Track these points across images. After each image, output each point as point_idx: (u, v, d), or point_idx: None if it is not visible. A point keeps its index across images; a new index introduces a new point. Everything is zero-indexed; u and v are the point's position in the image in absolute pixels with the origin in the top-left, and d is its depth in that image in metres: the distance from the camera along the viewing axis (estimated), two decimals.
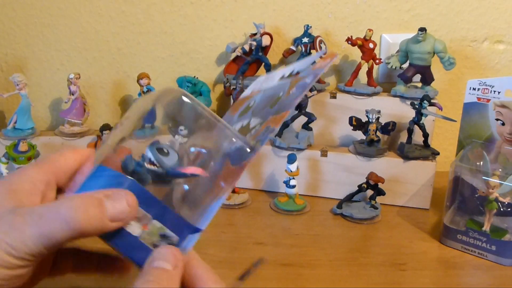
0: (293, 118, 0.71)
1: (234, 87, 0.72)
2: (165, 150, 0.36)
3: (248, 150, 0.36)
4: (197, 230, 0.35)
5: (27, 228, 0.28)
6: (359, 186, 0.66)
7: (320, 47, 0.74)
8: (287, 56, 0.77)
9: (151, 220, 0.34)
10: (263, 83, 0.48)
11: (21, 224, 0.28)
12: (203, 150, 0.38)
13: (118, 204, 0.31)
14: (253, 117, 0.42)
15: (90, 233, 0.30)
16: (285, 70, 0.46)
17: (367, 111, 0.68)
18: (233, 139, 0.37)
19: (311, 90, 0.70)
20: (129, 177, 0.33)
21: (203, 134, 0.40)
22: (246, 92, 0.49)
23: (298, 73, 0.45)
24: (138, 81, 0.73)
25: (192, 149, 0.39)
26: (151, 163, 0.35)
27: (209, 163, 0.38)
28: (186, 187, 0.37)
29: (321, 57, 0.42)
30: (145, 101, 0.40)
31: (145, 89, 0.72)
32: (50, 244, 0.29)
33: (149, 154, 0.35)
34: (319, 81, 0.76)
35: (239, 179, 0.36)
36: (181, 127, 0.41)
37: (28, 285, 0.31)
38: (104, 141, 0.40)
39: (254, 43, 0.74)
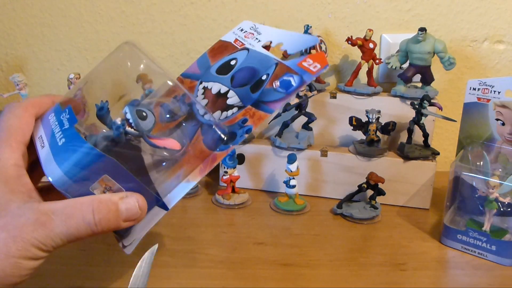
0: (293, 118, 0.71)
1: None
2: (144, 113, 0.37)
3: (223, 137, 0.37)
4: (164, 207, 0.38)
5: (56, 227, 0.32)
6: (359, 186, 0.66)
7: (320, 47, 0.74)
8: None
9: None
10: (248, 34, 0.48)
11: (49, 223, 0.32)
12: (183, 123, 0.40)
13: (130, 208, 0.35)
14: (232, 87, 0.42)
15: (106, 232, 0.35)
16: (273, 36, 0.46)
17: (367, 111, 0.68)
18: (209, 118, 0.38)
19: (311, 90, 0.70)
20: (106, 148, 0.35)
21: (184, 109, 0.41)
22: (229, 37, 0.49)
23: (285, 53, 0.45)
24: (137, 81, 0.73)
25: (166, 103, 0.40)
26: (129, 124, 0.36)
27: (181, 129, 0.39)
28: (163, 164, 0.38)
29: (311, 51, 0.42)
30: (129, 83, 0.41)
31: (146, 92, 0.72)
32: (74, 240, 0.34)
33: (128, 115, 0.36)
34: (319, 81, 0.76)
35: (211, 169, 0.37)
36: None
37: None
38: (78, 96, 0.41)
39: None
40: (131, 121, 0.36)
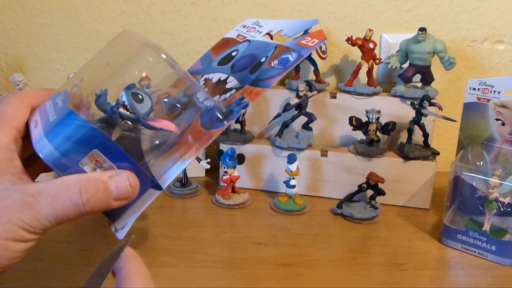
0: (293, 118, 0.71)
1: None
2: (140, 96, 0.36)
3: (220, 116, 0.37)
4: (158, 187, 0.37)
5: (42, 209, 0.32)
6: (359, 186, 0.66)
7: (320, 47, 0.74)
8: None
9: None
10: (250, 28, 0.48)
11: (35, 205, 0.32)
12: (178, 105, 0.39)
13: (121, 186, 0.34)
14: (232, 73, 0.42)
15: (96, 212, 0.34)
16: (274, 26, 0.46)
17: (367, 111, 0.68)
18: (208, 103, 0.38)
19: (311, 90, 0.70)
20: (99, 128, 0.34)
21: (180, 88, 0.41)
22: (232, 34, 0.49)
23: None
24: (139, 83, 0.73)
25: (166, 100, 0.40)
26: (124, 107, 0.36)
27: (180, 117, 0.39)
28: (156, 142, 0.38)
29: (309, 33, 0.43)
30: (125, 59, 0.41)
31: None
32: (62, 221, 0.33)
33: (124, 98, 0.36)
34: (319, 81, 0.76)
35: (206, 146, 0.37)
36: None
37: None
38: (76, 76, 0.41)
39: None
40: (126, 103, 0.36)
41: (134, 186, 0.35)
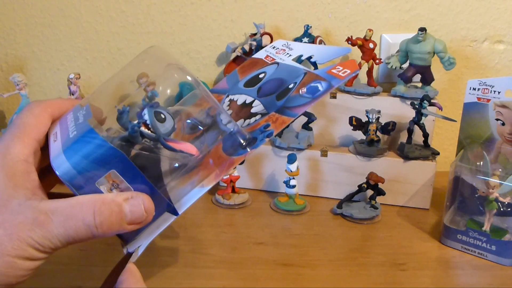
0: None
1: None
2: (163, 115, 0.36)
3: (243, 143, 0.36)
4: (175, 212, 0.36)
5: (54, 228, 0.31)
6: (359, 186, 0.66)
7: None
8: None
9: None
10: (280, 50, 0.48)
11: (47, 223, 0.31)
12: (200, 127, 0.39)
13: (135, 210, 0.33)
14: (258, 97, 0.41)
15: (109, 235, 0.33)
16: (304, 50, 0.45)
17: (367, 111, 0.68)
18: (231, 127, 0.37)
19: None
20: (118, 147, 0.34)
21: (204, 111, 0.40)
22: (260, 54, 0.48)
23: (314, 63, 0.45)
24: (138, 80, 0.72)
25: (189, 121, 0.39)
26: (146, 125, 0.35)
27: (202, 139, 0.39)
28: (176, 165, 0.37)
29: (340, 62, 0.42)
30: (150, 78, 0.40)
31: (149, 94, 0.72)
32: (73, 242, 0.32)
33: (146, 116, 0.35)
34: None
35: (227, 173, 0.37)
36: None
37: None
38: (100, 91, 0.40)
39: (254, 43, 0.74)
40: (148, 122, 0.35)
41: (149, 211, 0.34)
